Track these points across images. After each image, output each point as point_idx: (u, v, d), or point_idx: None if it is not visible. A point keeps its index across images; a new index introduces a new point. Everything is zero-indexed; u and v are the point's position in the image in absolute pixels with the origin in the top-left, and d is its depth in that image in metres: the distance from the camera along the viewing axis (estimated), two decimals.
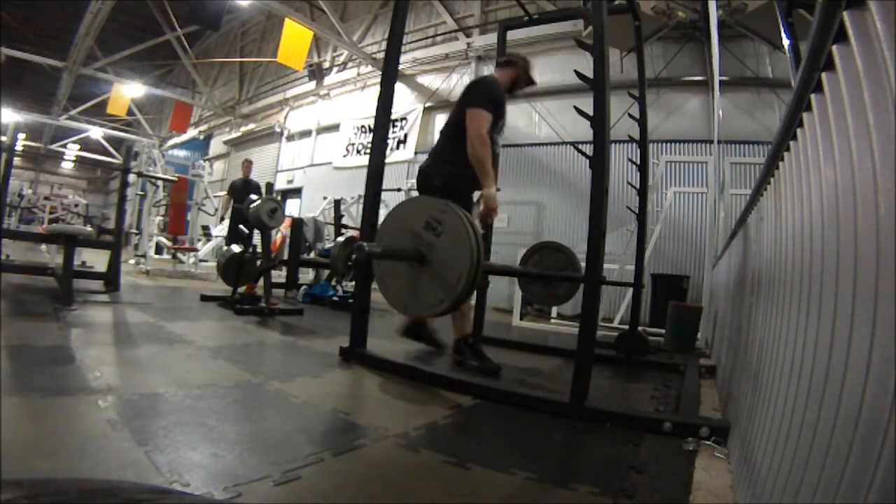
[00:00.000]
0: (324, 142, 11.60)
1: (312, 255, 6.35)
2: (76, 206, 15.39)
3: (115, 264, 4.37)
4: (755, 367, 1.33)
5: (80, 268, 4.94)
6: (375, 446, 1.42)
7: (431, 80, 9.71)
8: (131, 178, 6.80)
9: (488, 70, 8.70)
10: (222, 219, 7.05)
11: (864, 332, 0.57)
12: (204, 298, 4.42)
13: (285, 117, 12.90)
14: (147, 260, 7.15)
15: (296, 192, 11.84)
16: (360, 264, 2.67)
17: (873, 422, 0.51)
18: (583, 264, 2.08)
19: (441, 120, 9.57)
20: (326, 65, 12.02)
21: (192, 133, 16.45)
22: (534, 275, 3.26)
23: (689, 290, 5.42)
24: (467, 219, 1.99)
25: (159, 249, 9.15)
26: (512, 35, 3.63)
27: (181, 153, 16.98)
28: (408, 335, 3.05)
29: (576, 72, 2.29)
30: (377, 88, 2.68)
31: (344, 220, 7.44)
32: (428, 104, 9.59)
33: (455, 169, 2.57)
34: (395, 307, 2.11)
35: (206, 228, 9.55)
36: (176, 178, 8.23)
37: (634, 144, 3.47)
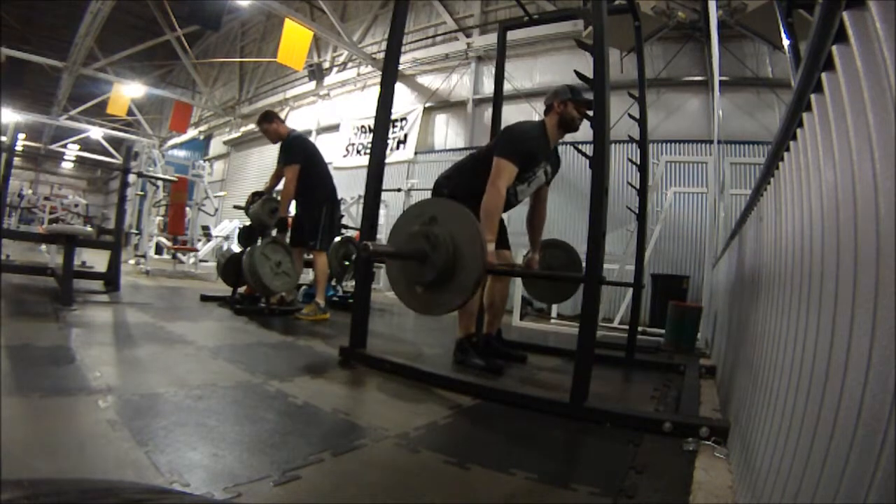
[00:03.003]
0: (324, 142, 11.59)
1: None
2: (76, 206, 15.42)
3: (115, 264, 4.37)
4: (755, 367, 1.33)
5: (80, 268, 4.93)
6: (375, 446, 1.42)
7: (431, 80, 9.72)
8: (131, 178, 6.81)
9: (489, 70, 8.72)
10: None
11: (864, 332, 0.57)
12: (204, 298, 4.42)
13: (285, 117, 12.89)
14: (147, 260, 7.15)
15: None
16: (363, 263, 2.67)
17: (873, 422, 0.51)
18: (583, 265, 2.08)
19: (441, 120, 9.58)
20: (326, 65, 12.02)
21: (192, 133, 16.45)
22: (535, 275, 3.26)
23: (689, 290, 5.42)
24: (470, 216, 2.00)
25: (159, 249, 9.15)
26: (512, 35, 3.63)
27: (181, 153, 16.99)
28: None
29: (576, 72, 2.29)
30: (377, 88, 2.68)
31: (344, 220, 7.44)
32: (428, 104, 9.59)
33: (472, 192, 2.57)
34: (413, 309, 2.20)
35: (206, 228, 9.56)
36: (176, 178, 8.22)
37: (634, 144, 3.47)
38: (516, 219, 3.31)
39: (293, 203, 4.26)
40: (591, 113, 2.37)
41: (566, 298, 3.60)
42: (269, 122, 4.16)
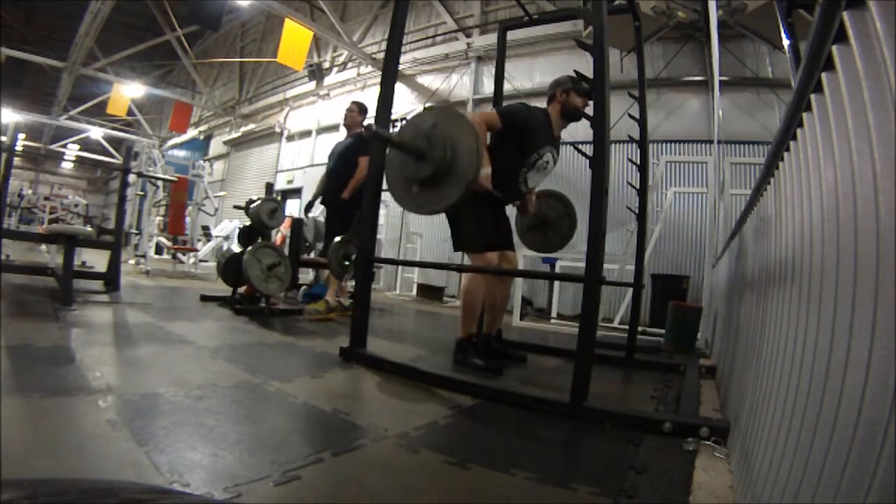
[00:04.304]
0: (324, 142, 11.60)
1: (312, 255, 6.36)
2: (76, 206, 15.42)
3: (115, 264, 4.37)
4: (755, 367, 1.33)
5: (80, 268, 4.94)
6: (375, 446, 1.42)
7: (431, 80, 9.72)
8: (131, 178, 6.81)
9: (489, 70, 8.72)
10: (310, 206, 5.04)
11: (864, 332, 0.57)
12: (204, 298, 4.42)
13: (285, 117, 12.90)
14: (147, 260, 7.14)
15: (296, 193, 11.84)
16: (363, 263, 2.67)
17: (873, 422, 0.51)
18: (582, 265, 2.08)
19: None
20: (326, 65, 12.02)
21: (192, 133, 16.45)
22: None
23: (689, 290, 5.42)
24: (469, 123, 2.04)
25: (159, 249, 9.14)
26: (512, 35, 3.63)
27: (181, 153, 16.98)
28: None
29: (575, 72, 2.30)
30: (377, 88, 2.68)
31: None
32: (428, 104, 9.58)
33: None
34: (409, 208, 2.24)
35: (206, 228, 9.55)
36: (176, 178, 8.22)
37: (634, 144, 3.47)
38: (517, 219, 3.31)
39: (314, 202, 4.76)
40: (590, 103, 2.40)
41: (558, 248, 3.47)
42: (362, 114, 4.52)
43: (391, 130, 2.42)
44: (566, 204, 3.33)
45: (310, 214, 5.56)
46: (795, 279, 0.96)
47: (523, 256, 4.32)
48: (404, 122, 2.25)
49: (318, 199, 4.74)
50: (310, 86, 12.17)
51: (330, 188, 4.54)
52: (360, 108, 4.55)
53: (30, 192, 15.53)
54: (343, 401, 1.91)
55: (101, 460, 1.12)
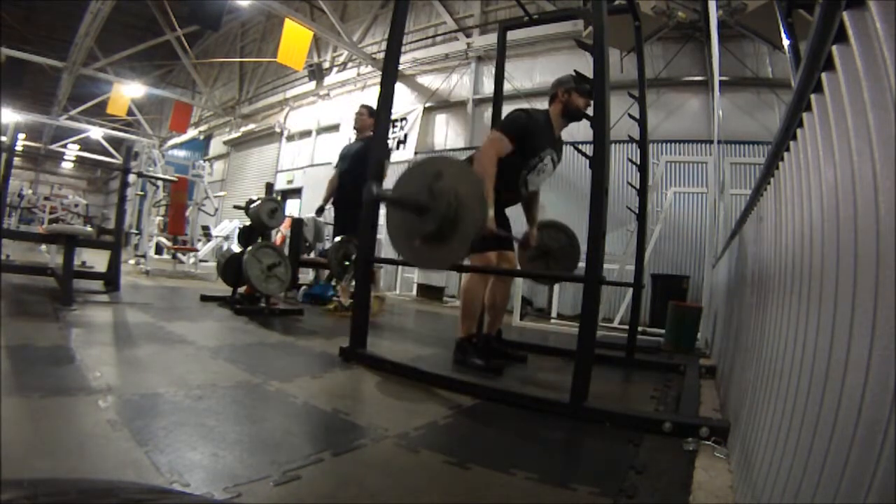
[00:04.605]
0: (324, 142, 11.60)
1: (312, 255, 6.36)
2: (76, 206, 15.40)
3: (115, 264, 4.37)
4: (755, 367, 1.33)
5: (80, 268, 4.93)
6: (375, 446, 1.42)
7: (431, 80, 9.72)
8: (131, 178, 6.80)
9: (489, 70, 8.72)
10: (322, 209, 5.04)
11: (864, 332, 0.57)
12: (204, 298, 4.42)
13: (285, 117, 12.90)
14: (147, 260, 7.14)
15: (296, 193, 11.84)
16: (363, 263, 2.67)
17: (873, 422, 0.51)
18: (582, 264, 2.08)
19: (441, 120, 9.58)
20: (326, 65, 12.02)
21: (192, 133, 16.45)
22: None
23: (689, 290, 5.41)
24: (475, 174, 2.00)
25: (159, 249, 9.14)
26: (512, 35, 3.62)
27: (181, 153, 16.98)
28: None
29: (575, 72, 2.29)
30: (377, 88, 2.68)
31: None
32: (428, 104, 9.59)
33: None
34: (412, 263, 2.20)
35: (206, 228, 9.55)
36: (176, 178, 8.22)
37: (634, 144, 3.46)
38: (516, 219, 3.31)
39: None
40: (591, 103, 2.38)
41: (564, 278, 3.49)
42: (372, 116, 4.41)
43: (391, 130, 2.41)
44: (569, 235, 3.34)
45: (320, 217, 5.60)
46: (795, 279, 0.96)
47: None
48: (408, 164, 2.20)
49: (330, 201, 4.83)
50: (310, 86, 12.17)
51: (343, 188, 4.62)
52: (370, 111, 4.58)
53: (30, 192, 15.52)
54: (343, 401, 1.91)
55: (101, 460, 1.12)
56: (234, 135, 14.41)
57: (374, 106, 2.75)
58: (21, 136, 9.99)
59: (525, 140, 2.59)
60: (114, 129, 16.17)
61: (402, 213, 2.12)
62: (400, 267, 8.24)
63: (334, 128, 11.29)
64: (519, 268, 3.12)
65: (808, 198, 0.92)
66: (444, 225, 1.95)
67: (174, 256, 8.36)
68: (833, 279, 0.71)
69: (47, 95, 15.28)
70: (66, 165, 23.14)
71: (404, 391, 2.10)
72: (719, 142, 4.91)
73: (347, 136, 10.79)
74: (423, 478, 1.27)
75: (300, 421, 1.62)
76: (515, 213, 3.05)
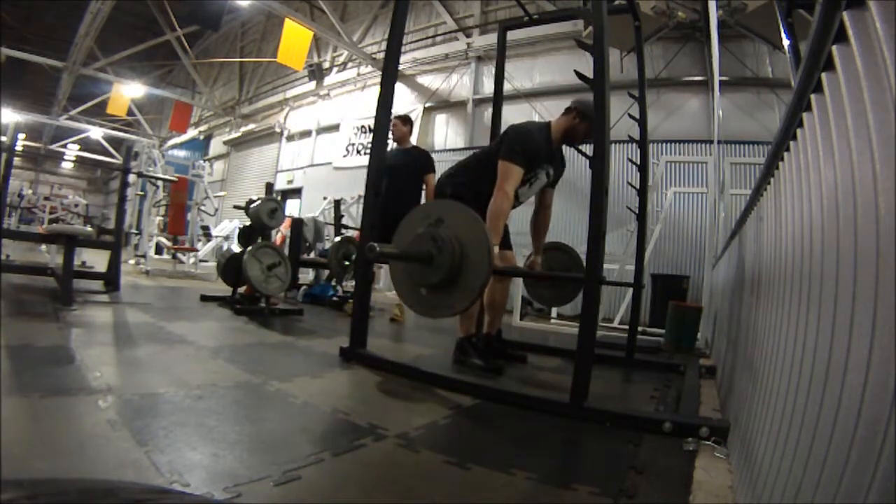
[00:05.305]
0: (324, 142, 11.60)
1: (312, 255, 6.36)
2: (76, 206, 15.39)
3: (115, 264, 4.37)
4: (755, 367, 1.33)
5: (80, 268, 4.94)
6: (375, 446, 1.42)
7: (431, 80, 9.72)
8: (131, 178, 6.81)
9: (489, 70, 8.72)
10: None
11: (864, 332, 0.56)
12: (204, 299, 4.42)
13: (285, 117, 12.90)
14: (147, 260, 7.15)
15: (296, 193, 11.84)
16: (363, 263, 2.67)
17: (873, 422, 0.51)
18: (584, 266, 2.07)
19: (441, 120, 9.57)
20: (326, 65, 12.02)
21: (192, 133, 16.45)
22: (535, 275, 3.26)
23: (689, 290, 5.41)
24: (477, 219, 1.99)
25: (159, 249, 9.14)
26: (512, 35, 3.63)
27: (181, 153, 16.98)
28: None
29: (576, 72, 2.29)
30: (377, 88, 2.68)
31: (344, 221, 7.45)
32: (428, 104, 9.59)
33: (475, 191, 2.58)
34: (416, 311, 2.17)
35: (206, 228, 9.55)
36: (176, 178, 8.22)
37: (634, 144, 3.47)
38: (517, 219, 3.31)
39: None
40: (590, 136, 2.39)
41: (567, 302, 3.57)
42: (407, 124, 4.41)
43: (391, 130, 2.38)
44: (572, 257, 3.35)
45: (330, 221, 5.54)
46: (795, 279, 0.96)
47: (523, 257, 4.31)
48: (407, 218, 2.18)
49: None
50: (310, 86, 12.17)
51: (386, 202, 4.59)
52: (404, 120, 4.48)
53: (30, 192, 15.52)
54: (343, 401, 1.91)
55: (101, 460, 1.12)
56: (234, 135, 14.41)
57: (371, 104, 2.75)
58: (21, 136, 9.99)
59: (529, 161, 2.60)
60: (114, 129, 16.18)
61: (407, 264, 2.11)
62: None
63: (334, 128, 11.29)
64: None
65: (808, 198, 0.92)
66: (450, 274, 1.95)
67: (174, 256, 8.36)
68: (833, 279, 0.71)
69: (47, 95, 15.28)
70: (66, 165, 23.14)
71: (404, 391, 2.10)
72: (719, 142, 4.91)
73: (347, 136, 10.83)
74: (423, 478, 1.27)
75: (300, 421, 1.62)
76: (516, 214, 3.06)
